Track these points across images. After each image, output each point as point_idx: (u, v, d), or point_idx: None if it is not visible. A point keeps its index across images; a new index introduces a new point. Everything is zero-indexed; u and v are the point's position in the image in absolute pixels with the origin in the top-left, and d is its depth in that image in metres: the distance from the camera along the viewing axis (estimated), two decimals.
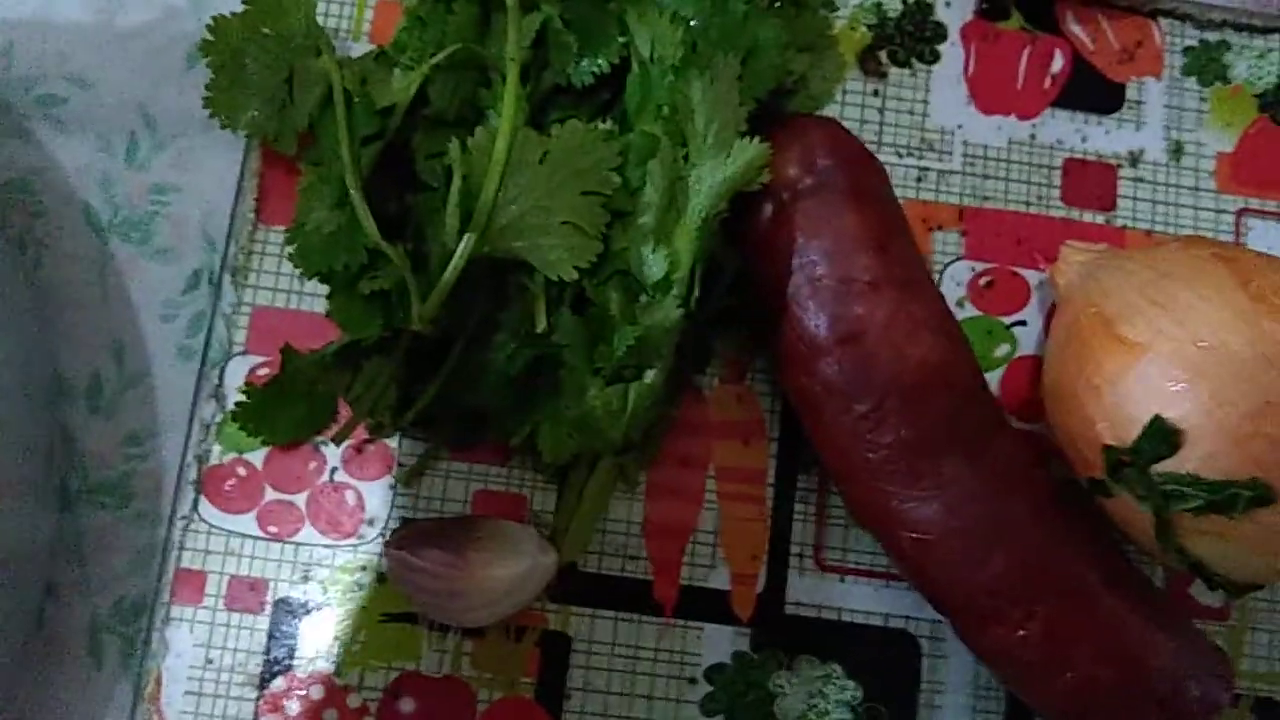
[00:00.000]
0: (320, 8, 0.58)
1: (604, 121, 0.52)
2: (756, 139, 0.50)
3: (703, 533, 0.56)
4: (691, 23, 0.52)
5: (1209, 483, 0.47)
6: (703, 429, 0.57)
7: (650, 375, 0.51)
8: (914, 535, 0.51)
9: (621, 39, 0.53)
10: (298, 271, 0.55)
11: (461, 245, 0.49)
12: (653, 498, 0.56)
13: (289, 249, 0.51)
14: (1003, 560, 0.50)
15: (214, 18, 0.53)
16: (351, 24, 0.59)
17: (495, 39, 0.53)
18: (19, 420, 0.54)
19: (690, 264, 0.51)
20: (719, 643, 0.55)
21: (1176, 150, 0.61)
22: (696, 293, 0.51)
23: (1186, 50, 0.62)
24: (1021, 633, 0.50)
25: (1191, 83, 0.61)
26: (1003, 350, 0.59)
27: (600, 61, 0.53)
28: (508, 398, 0.53)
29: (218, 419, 0.55)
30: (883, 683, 0.55)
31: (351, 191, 0.50)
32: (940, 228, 0.59)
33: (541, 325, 0.51)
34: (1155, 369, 0.48)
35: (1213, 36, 0.62)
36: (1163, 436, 0.48)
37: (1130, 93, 0.61)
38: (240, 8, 0.54)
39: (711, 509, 0.56)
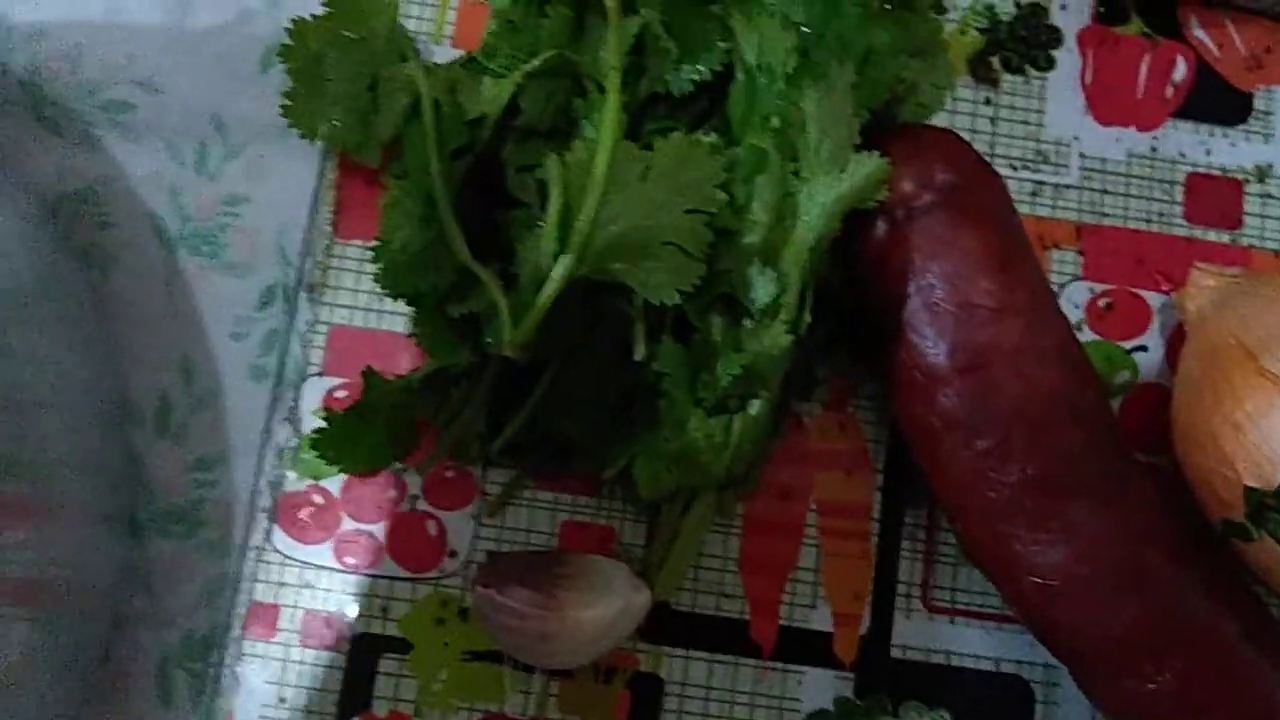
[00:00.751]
0: (400, 9, 0.55)
1: (706, 133, 0.49)
2: (874, 153, 0.47)
3: (803, 570, 0.53)
4: (803, 28, 0.49)
5: None
6: (803, 459, 0.54)
7: (756, 406, 0.48)
8: (1038, 580, 0.47)
9: (725, 45, 0.50)
10: (378, 289, 0.52)
11: (558, 267, 0.46)
12: (750, 532, 0.53)
13: (373, 268, 0.48)
14: (1135, 610, 0.47)
15: (293, 20, 0.51)
16: (434, 26, 0.56)
17: (591, 45, 0.50)
18: (84, 443, 0.52)
19: (800, 287, 0.47)
20: (820, 687, 0.52)
21: None
22: (807, 318, 0.48)
23: None
24: (1152, 686, 0.47)
25: None
26: (1122, 377, 0.55)
27: (701, 68, 0.50)
28: (601, 428, 0.50)
29: (292, 444, 0.53)
30: None
31: (440, 208, 0.47)
32: (1057, 246, 0.56)
33: (640, 353, 0.48)
34: None
35: None
36: None
37: (1258, 102, 0.58)
38: (319, 10, 0.51)
39: (812, 545, 0.53)
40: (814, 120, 0.47)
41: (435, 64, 0.52)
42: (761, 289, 0.48)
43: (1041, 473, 0.47)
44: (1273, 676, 0.47)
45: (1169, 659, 0.47)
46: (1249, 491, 0.46)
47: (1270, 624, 0.48)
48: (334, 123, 0.51)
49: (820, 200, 0.47)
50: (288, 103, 0.51)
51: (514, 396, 0.50)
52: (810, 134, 0.47)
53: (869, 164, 0.47)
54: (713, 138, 0.49)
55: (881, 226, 0.49)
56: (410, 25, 0.56)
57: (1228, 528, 0.48)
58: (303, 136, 0.51)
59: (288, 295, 0.55)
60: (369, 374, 0.50)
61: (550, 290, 0.46)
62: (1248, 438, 0.46)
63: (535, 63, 0.49)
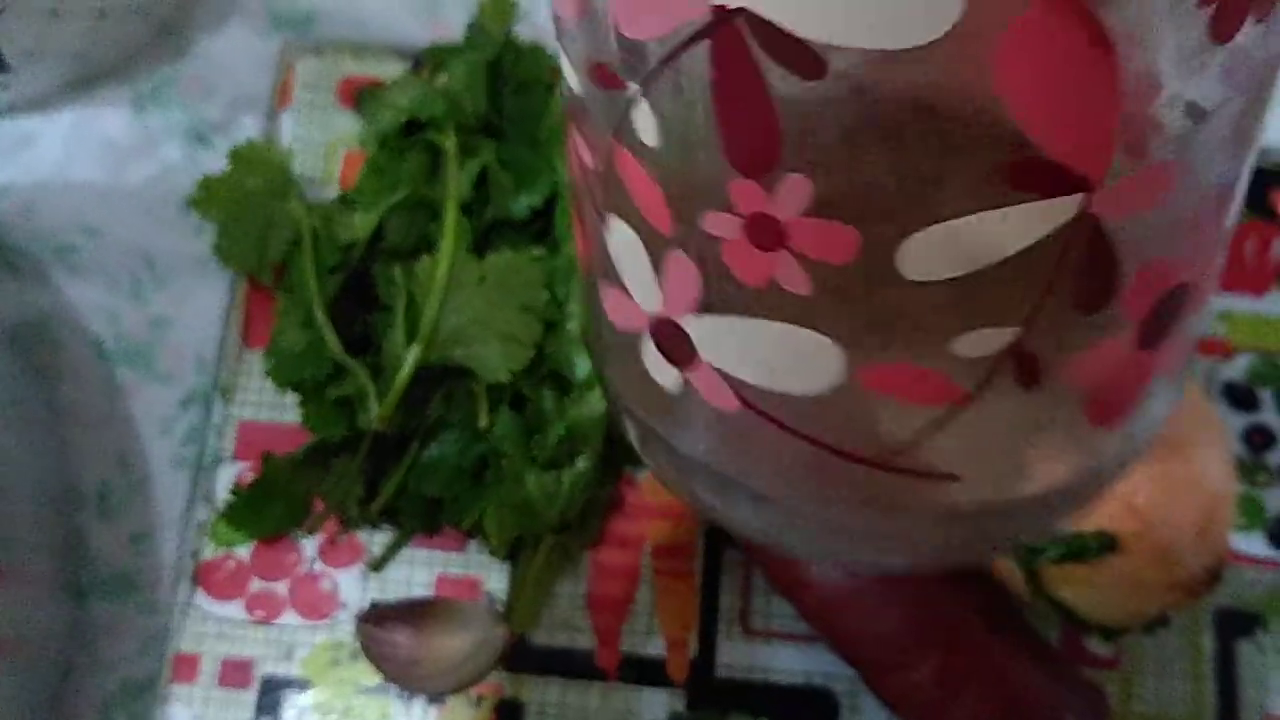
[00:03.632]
0: (298, 160, 0.68)
1: (539, 247, 0.61)
2: None
3: (640, 604, 0.63)
4: None
5: (1066, 533, 0.54)
6: (637, 512, 0.64)
7: (581, 462, 0.59)
8: (818, 595, 0.57)
9: (552, 178, 0.62)
10: (275, 386, 0.63)
11: (409, 354, 0.58)
12: (595, 575, 0.63)
13: (266, 364, 0.60)
14: (897, 613, 0.57)
15: (204, 177, 0.63)
16: (324, 172, 0.69)
17: (441, 183, 0.62)
18: (36, 525, 0.62)
19: None
20: (657, 705, 0.62)
21: None
22: None
23: None
24: (916, 676, 0.56)
25: None
26: None
27: (534, 197, 0.62)
28: (460, 487, 0.61)
29: (209, 519, 0.63)
30: None
31: (318, 314, 0.59)
32: None
33: (484, 422, 0.59)
34: None
35: None
36: None
37: None
38: (225, 164, 0.64)
39: (647, 583, 0.63)
40: None
41: (319, 202, 0.64)
42: (580, 366, 0.59)
43: None
44: (1016, 663, 0.56)
45: (926, 654, 0.56)
46: None
47: (1011, 617, 0.58)
48: (242, 253, 0.63)
49: None
50: (218, 243, 0.63)
51: (387, 466, 0.61)
52: None
53: None
54: (540, 250, 0.61)
55: None
56: (307, 171, 0.68)
57: None
58: (228, 267, 0.64)
59: (205, 397, 0.66)
60: (266, 456, 0.61)
61: (405, 372, 0.58)
62: None
63: (396, 198, 0.61)
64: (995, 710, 0.56)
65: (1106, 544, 0.54)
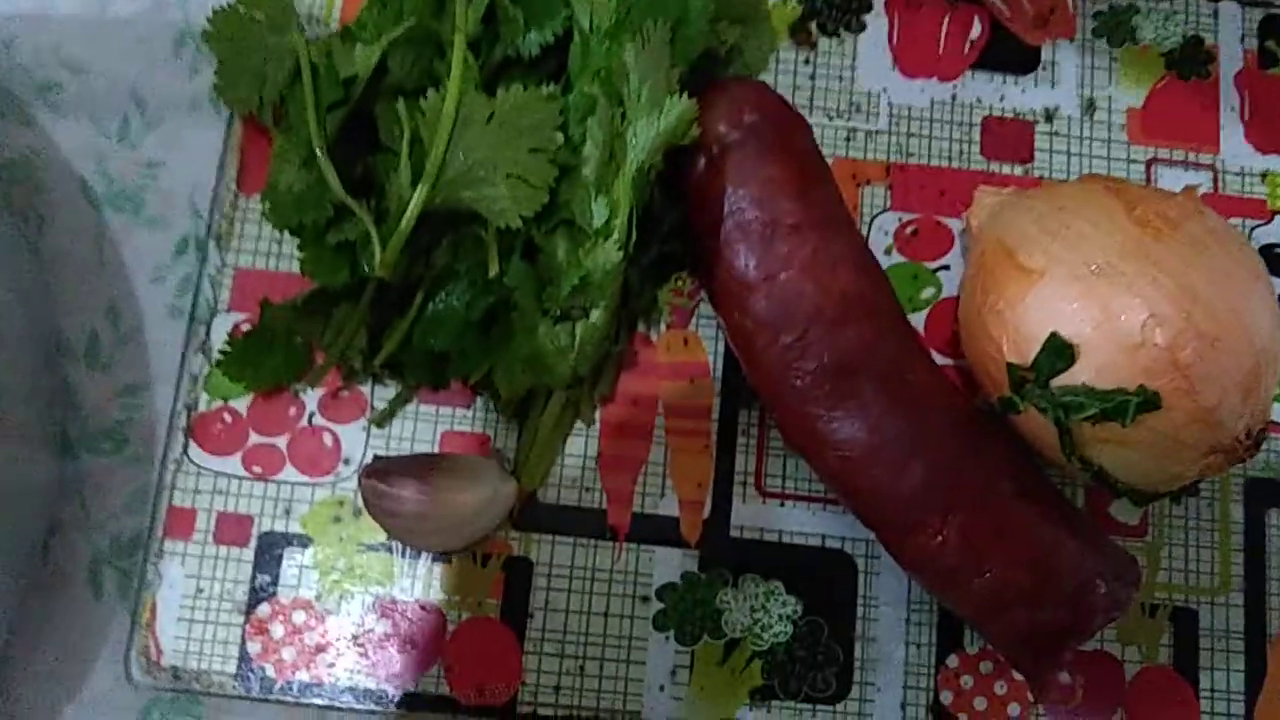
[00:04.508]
0: None
1: (549, 86, 0.58)
2: (684, 96, 0.55)
3: (653, 465, 0.61)
4: None
5: (1102, 392, 0.52)
6: (651, 370, 0.62)
7: (595, 314, 0.56)
8: (839, 453, 0.55)
9: (565, 11, 0.58)
10: (276, 234, 0.60)
11: (415, 197, 0.54)
12: (607, 434, 0.61)
13: (263, 206, 0.56)
14: (920, 472, 0.54)
15: (214, 10, 0.59)
16: (325, 9, 0.65)
17: (448, 15, 0.58)
18: (22, 374, 0.59)
19: (628, 211, 0.55)
20: (669, 564, 0.60)
21: (1089, 106, 0.65)
22: (635, 237, 0.56)
23: (1097, 14, 0.67)
24: (939, 539, 0.54)
25: (1102, 44, 0.66)
26: (928, 293, 0.63)
27: (545, 33, 0.58)
28: (467, 340, 0.58)
29: (205, 370, 0.61)
30: (821, 598, 0.60)
31: (318, 152, 0.56)
32: (869, 182, 0.64)
33: (494, 271, 0.56)
34: (1051, 291, 0.53)
35: (1121, 1, 0.67)
36: (1059, 351, 0.52)
37: (1045, 54, 0.66)
38: None
39: (660, 443, 0.61)
40: (634, 69, 0.55)
41: (318, 36, 0.60)
42: (596, 214, 0.56)
43: (836, 360, 0.55)
44: (1042, 527, 0.54)
45: (951, 515, 0.54)
46: (1011, 368, 0.54)
47: (1040, 483, 0.56)
48: (242, 92, 0.59)
49: (642, 137, 0.55)
50: (218, 82, 0.60)
51: (392, 317, 0.58)
52: (632, 81, 0.56)
53: (681, 105, 0.55)
54: (551, 88, 0.57)
55: (701, 161, 0.57)
56: (306, 7, 0.64)
57: (1001, 403, 0.56)
58: (231, 108, 0.60)
59: (199, 244, 0.63)
60: (265, 303, 0.58)
61: (410, 214, 0.54)
62: (1008, 322, 0.54)
63: (399, 30, 0.57)
64: (1023, 576, 0.54)
65: (1148, 402, 0.51)
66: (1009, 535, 0.54)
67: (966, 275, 0.59)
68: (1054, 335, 0.53)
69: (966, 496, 0.54)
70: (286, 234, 0.60)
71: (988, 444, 0.56)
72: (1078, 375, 0.52)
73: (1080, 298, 0.52)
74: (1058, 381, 0.53)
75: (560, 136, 0.56)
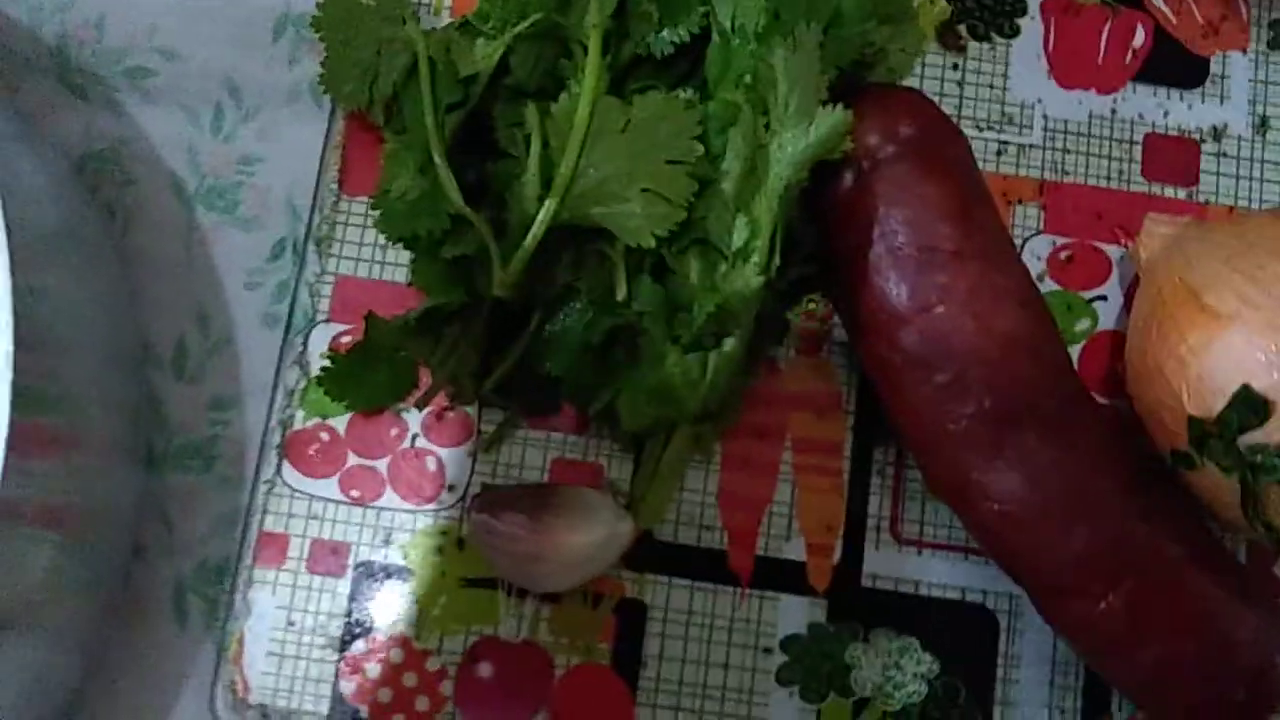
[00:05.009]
0: None
1: (685, 91, 0.53)
2: (839, 107, 0.50)
3: (779, 504, 0.56)
4: None
5: None
6: (778, 400, 0.57)
7: (729, 344, 0.51)
8: (994, 507, 0.50)
9: (702, 8, 0.53)
10: (380, 241, 0.56)
11: (542, 212, 0.50)
12: (728, 468, 0.57)
13: (373, 214, 0.52)
14: (1086, 533, 0.49)
15: None
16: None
17: (576, 9, 0.53)
18: (106, 383, 0.55)
19: (770, 232, 0.51)
20: (795, 614, 0.55)
21: (1262, 125, 0.60)
22: (777, 261, 0.51)
23: (1273, 24, 0.61)
24: (1103, 606, 0.49)
25: (1278, 56, 0.61)
26: (1083, 325, 0.58)
27: (681, 31, 0.53)
28: (586, 366, 0.53)
29: (301, 385, 0.56)
30: (959, 656, 0.55)
31: (435, 158, 0.51)
32: (1020, 201, 0.59)
33: (621, 293, 0.51)
34: (1242, 339, 0.48)
35: None
36: (1251, 406, 0.47)
37: (1214, 67, 0.61)
38: None
39: (787, 480, 0.56)
40: (783, 77, 0.50)
41: (434, 28, 0.55)
42: (735, 234, 0.51)
43: (996, 406, 0.50)
44: (1216, 597, 0.49)
45: (1117, 581, 0.49)
46: (1192, 421, 0.49)
47: (1215, 548, 0.51)
48: (350, 86, 0.55)
49: (789, 151, 0.50)
50: (323, 72, 0.55)
51: (505, 338, 0.54)
52: (779, 90, 0.50)
53: (833, 117, 0.50)
54: (689, 93, 0.52)
55: (849, 177, 0.52)
56: None
57: (1175, 458, 0.51)
58: (338, 103, 0.55)
59: (297, 248, 0.59)
60: (370, 317, 0.54)
61: (536, 232, 0.50)
62: (1190, 370, 0.49)
63: (524, 25, 0.52)
64: (1194, 650, 0.49)
65: None
66: (1181, 605, 0.49)
67: (1139, 313, 0.53)
68: (1245, 388, 0.47)
69: (1135, 560, 0.49)
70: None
71: (1159, 501, 0.51)
72: (1270, 433, 0.47)
73: (1277, 348, 0.47)
74: (1245, 439, 0.48)
75: (700, 148, 0.51)
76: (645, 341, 0.52)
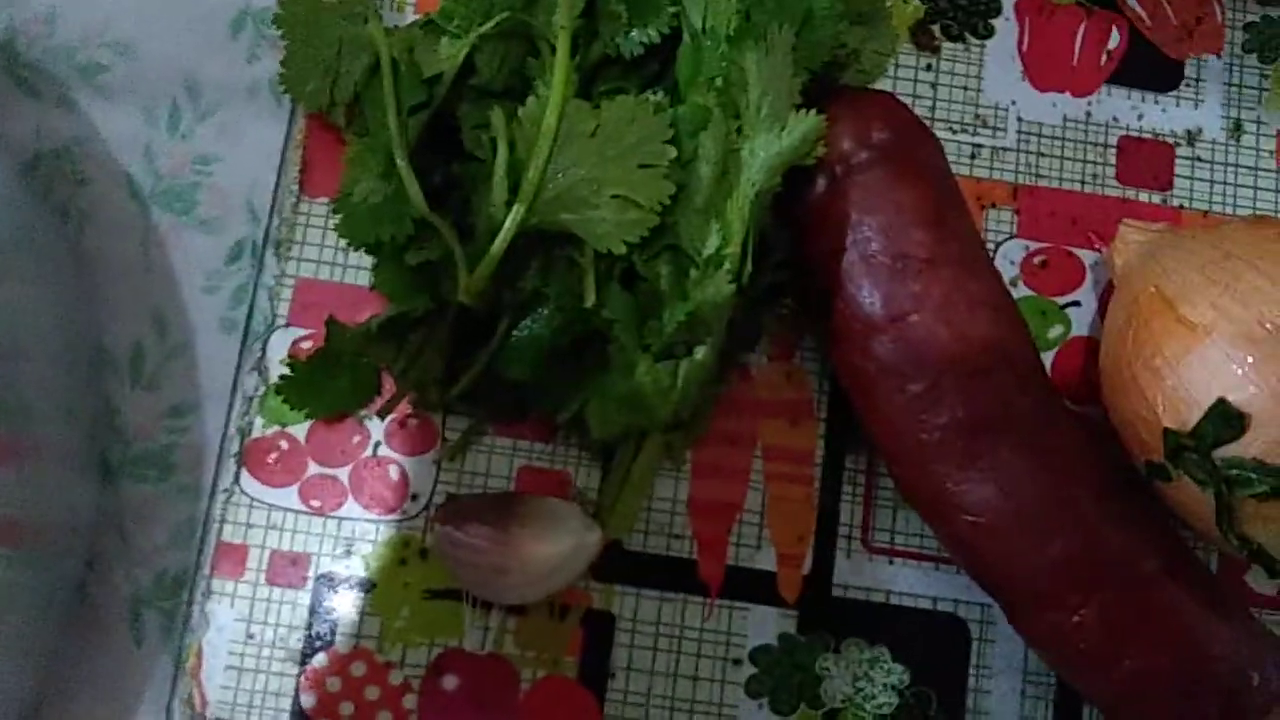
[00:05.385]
0: None
1: (654, 93, 0.52)
2: (812, 111, 0.49)
3: (749, 513, 0.55)
4: None
5: (1274, 468, 0.46)
6: (750, 407, 0.56)
7: (701, 352, 0.50)
8: (968, 518, 0.50)
9: (672, 9, 0.52)
10: (341, 244, 0.54)
11: (509, 217, 0.48)
12: (698, 476, 0.56)
13: (335, 219, 0.51)
14: (1060, 545, 0.49)
15: None
16: None
17: (544, 8, 0.52)
18: (61, 390, 0.53)
19: (742, 238, 0.50)
20: (765, 624, 0.55)
21: (1236, 128, 0.59)
22: (749, 268, 0.50)
23: (1248, 26, 0.60)
24: (1077, 619, 0.49)
25: (1252, 60, 0.60)
26: (1056, 331, 0.57)
27: (650, 32, 0.52)
28: (554, 373, 0.52)
29: (260, 392, 0.55)
30: (930, 666, 0.54)
31: (399, 161, 0.50)
32: (994, 205, 0.58)
33: (591, 300, 0.50)
34: (1218, 351, 0.47)
35: (1275, 12, 0.60)
36: (1226, 420, 0.47)
37: (1189, 70, 0.60)
38: None
39: (757, 489, 0.56)
40: (755, 80, 0.49)
41: (396, 27, 0.54)
42: (706, 240, 0.50)
43: (970, 415, 0.49)
44: (1192, 610, 0.49)
45: (1091, 593, 0.49)
46: (1167, 433, 0.49)
47: (1190, 560, 0.51)
48: (311, 86, 0.53)
49: (761, 156, 0.49)
50: (283, 72, 0.54)
51: (471, 344, 0.53)
52: (751, 93, 0.49)
53: (807, 122, 0.49)
54: (659, 96, 0.51)
55: (821, 182, 0.51)
56: None
57: (1150, 469, 0.50)
58: (298, 103, 0.54)
59: (256, 251, 0.57)
60: (331, 323, 0.52)
61: (503, 238, 0.48)
62: (1166, 381, 0.49)
63: (489, 24, 0.51)
64: (1168, 664, 0.49)
65: None
66: (1155, 618, 0.49)
67: (1113, 322, 0.53)
68: (1221, 401, 0.47)
69: (1109, 572, 0.49)
70: None
71: (1133, 513, 0.50)
72: (1245, 447, 0.47)
73: (1253, 361, 0.47)
74: (1221, 452, 0.47)
75: (673, 151, 0.50)
76: (615, 349, 0.51)
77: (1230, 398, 0.47)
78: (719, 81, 0.50)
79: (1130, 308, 0.51)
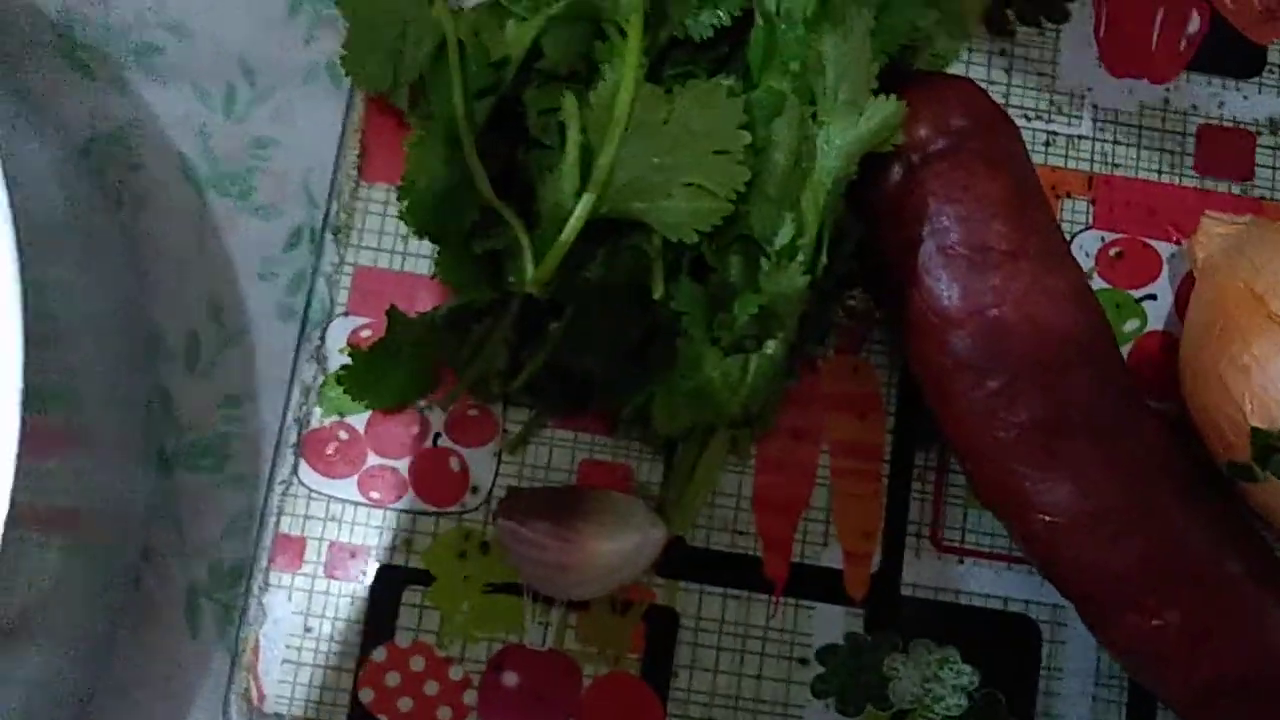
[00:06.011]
0: None
1: (725, 77, 0.50)
2: (891, 97, 0.48)
3: (815, 509, 0.54)
4: None
5: None
6: (817, 400, 0.55)
7: (772, 346, 0.49)
8: (1045, 518, 0.48)
9: None
10: (402, 230, 0.53)
11: (579, 206, 0.47)
12: (763, 471, 0.54)
13: (399, 206, 0.49)
14: (1140, 546, 0.47)
15: None
16: None
17: None
18: (115, 379, 0.53)
19: (817, 229, 0.48)
20: (831, 623, 0.53)
21: None
22: (824, 260, 0.49)
23: None
24: (1157, 623, 0.48)
25: None
26: (1132, 325, 0.56)
27: (720, 13, 0.51)
28: (619, 366, 0.51)
29: (319, 381, 0.54)
30: (1000, 668, 0.53)
31: (465, 147, 0.48)
32: (1069, 195, 0.57)
33: (659, 291, 0.49)
34: None
35: None
36: None
37: (1272, 55, 0.58)
38: None
39: (824, 485, 0.54)
40: (832, 65, 0.48)
41: (461, 8, 0.52)
42: (780, 230, 0.49)
43: (1050, 413, 0.48)
44: (1276, 615, 0.48)
45: (1173, 597, 0.47)
46: (1255, 432, 0.47)
47: (1275, 564, 0.49)
48: (373, 69, 0.52)
49: (837, 143, 0.48)
50: (345, 53, 0.52)
51: (534, 335, 0.51)
52: (828, 78, 0.48)
53: (885, 108, 0.48)
54: (731, 81, 0.50)
55: (898, 171, 0.50)
56: None
57: (1233, 469, 0.49)
58: (355, 83, 0.53)
59: (314, 237, 0.56)
60: (393, 312, 0.51)
61: (572, 228, 0.47)
62: (1254, 380, 0.47)
63: (558, 6, 0.50)
64: (1249, 669, 0.47)
65: None
66: (1236, 621, 0.48)
67: (1196, 317, 0.51)
68: None
69: (1191, 576, 0.48)
70: None
71: (1216, 514, 0.49)
72: None
73: None
74: None
75: (747, 137, 0.48)
76: (683, 343, 0.49)
77: None
78: (794, 66, 0.49)
79: (1215, 303, 0.50)
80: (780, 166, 0.48)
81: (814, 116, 0.49)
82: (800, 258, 0.48)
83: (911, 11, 0.51)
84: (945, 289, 0.49)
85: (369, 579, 0.53)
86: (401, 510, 0.54)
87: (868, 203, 0.51)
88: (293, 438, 0.54)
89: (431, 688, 0.52)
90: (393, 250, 0.55)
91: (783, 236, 0.48)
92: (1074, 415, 0.48)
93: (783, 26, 0.49)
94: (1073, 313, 0.49)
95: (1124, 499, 0.48)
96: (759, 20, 0.50)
